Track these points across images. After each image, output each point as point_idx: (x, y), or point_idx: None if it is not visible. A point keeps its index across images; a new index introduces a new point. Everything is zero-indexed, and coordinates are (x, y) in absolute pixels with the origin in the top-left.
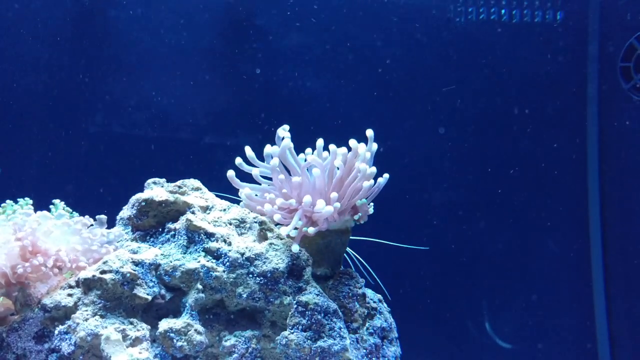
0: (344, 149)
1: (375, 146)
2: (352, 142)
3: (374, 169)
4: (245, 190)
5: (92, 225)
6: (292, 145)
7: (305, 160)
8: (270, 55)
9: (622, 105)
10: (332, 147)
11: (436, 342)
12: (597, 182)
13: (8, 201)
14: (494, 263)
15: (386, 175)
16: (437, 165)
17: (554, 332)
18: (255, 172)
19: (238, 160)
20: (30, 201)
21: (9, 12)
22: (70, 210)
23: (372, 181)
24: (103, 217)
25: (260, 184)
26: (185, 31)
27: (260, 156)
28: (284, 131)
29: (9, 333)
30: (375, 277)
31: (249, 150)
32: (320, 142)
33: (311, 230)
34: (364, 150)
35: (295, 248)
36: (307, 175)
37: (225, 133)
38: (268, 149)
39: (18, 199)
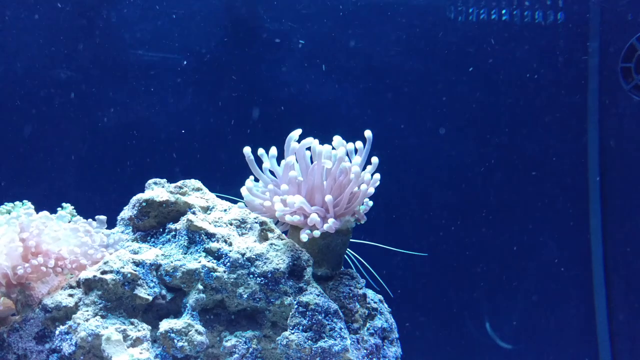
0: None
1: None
2: (350, 145)
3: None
4: (247, 183)
5: (94, 229)
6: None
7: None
8: (272, 57)
9: (623, 105)
10: (333, 152)
11: (436, 342)
12: (598, 182)
13: (17, 202)
14: (494, 263)
15: (377, 176)
16: (437, 165)
17: (554, 332)
18: (266, 164)
19: (260, 151)
20: (28, 203)
21: (9, 12)
22: (74, 213)
23: (369, 187)
24: (103, 217)
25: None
26: (187, 32)
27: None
28: (296, 134)
29: (10, 333)
30: (377, 276)
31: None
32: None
33: (316, 232)
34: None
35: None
36: (313, 176)
37: (227, 133)
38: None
39: (17, 202)
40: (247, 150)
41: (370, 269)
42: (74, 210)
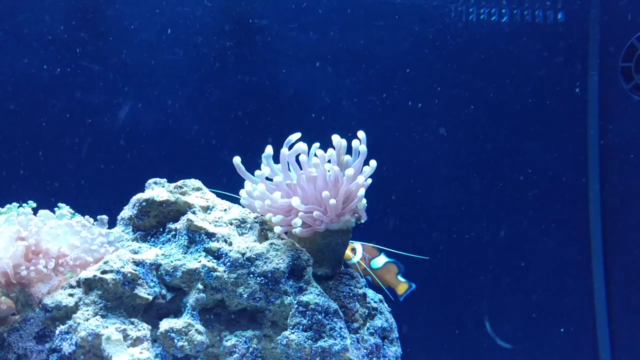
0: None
1: (363, 148)
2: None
3: (368, 169)
4: (246, 186)
5: (92, 225)
6: (306, 149)
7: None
8: (271, 55)
9: (623, 105)
10: (328, 152)
11: (436, 342)
12: (598, 182)
13: (14, 203)
14: (494, 263)
15: (373, 163)
16: (437, 165)
17: (554, 332)
18: (264, 170)
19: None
20: (34, 204)
21: (8, 12)
22: (73, 212)
23: (367, 181)
24: (104, 217)
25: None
26: (186, 31)
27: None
28: (295, 137)
29: (10, 333)
30: (376, 277)
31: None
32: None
33: (297, 230)
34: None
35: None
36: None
37: (226, 133)
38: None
39: (14, 203)
40: (236, 160)
41: (372, 272)
42: (72, 209)
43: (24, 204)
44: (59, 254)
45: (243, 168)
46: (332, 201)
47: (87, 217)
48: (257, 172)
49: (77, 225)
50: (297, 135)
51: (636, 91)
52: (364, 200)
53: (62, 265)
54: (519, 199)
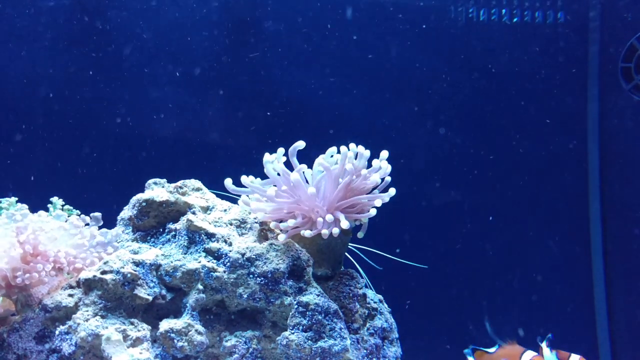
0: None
1: (386, 166)
2: (360, 149)
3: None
4: (247, 195)
5: (87, 224)
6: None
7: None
8: (272, 57)
9: (623, 105)
10: (337, 154)
11: (436, 342)
12: (598, 182)
13: (12, 199)
14: (494, 263)
15: (392, 191)
16: (437, 165)
17: (554, 332)
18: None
19: (248, 178)
20: (15, 199)
21: (11, 13)
22: (70, 208)
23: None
24: (98, 214)
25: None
26: (186, 32)
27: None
28: (300, 145)
29: (10, 333)
30: (368, 282)
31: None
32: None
33: (307, 233)
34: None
35: (282, 237)
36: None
37: (226, 133)
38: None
39: (2, 199)
40: (228, 182)
41: (362, 272)
42: (70, 206)
43: (4, 199)
44: (57, 257)
45: (233, 187)
46: (337, 216)
47: (82, 215)
48: (266, 180)
49: (72, 228)
50: (302, 144)
51: (636, 91)
52: (373, 211)
53: (59, 269)
54: (519, 199)
